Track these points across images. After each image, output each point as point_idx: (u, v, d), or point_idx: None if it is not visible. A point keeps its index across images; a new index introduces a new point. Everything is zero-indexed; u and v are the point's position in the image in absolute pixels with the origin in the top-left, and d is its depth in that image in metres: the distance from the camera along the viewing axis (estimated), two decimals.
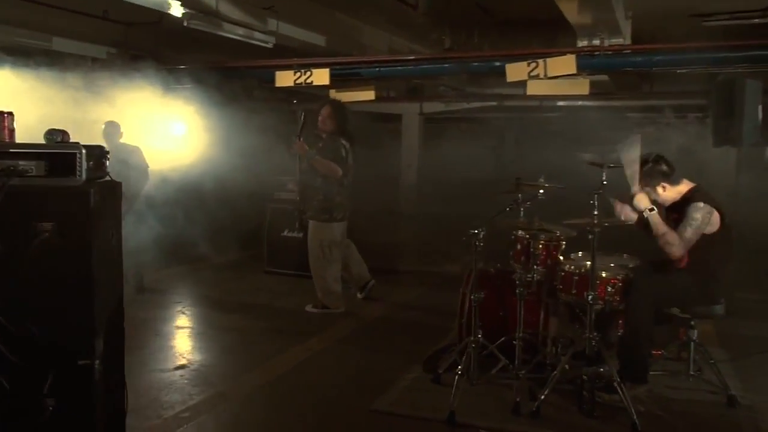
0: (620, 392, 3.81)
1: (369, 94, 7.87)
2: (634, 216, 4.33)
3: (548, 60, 6.34)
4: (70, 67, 7.36)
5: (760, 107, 5.94)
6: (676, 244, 4.06)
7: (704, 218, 4.04)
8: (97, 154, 2.88)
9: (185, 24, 5.62)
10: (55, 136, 2.83)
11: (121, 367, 3.19)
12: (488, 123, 13.15)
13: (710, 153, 7.93)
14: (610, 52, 6.37)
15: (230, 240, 8.63)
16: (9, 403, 2.64)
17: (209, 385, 4.41)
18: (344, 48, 7.81)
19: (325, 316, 6.12)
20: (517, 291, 4.34)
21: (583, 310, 4.12)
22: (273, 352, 5.12)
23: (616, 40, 6.45)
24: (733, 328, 5.46)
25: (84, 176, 2.69)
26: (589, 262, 4.02)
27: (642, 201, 4.14)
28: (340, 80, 7.51)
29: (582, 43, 6.51)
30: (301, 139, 6.01)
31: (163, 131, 8.14)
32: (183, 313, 6.39)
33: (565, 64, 6.30)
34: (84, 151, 2.70)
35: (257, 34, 6.42)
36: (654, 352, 4.59)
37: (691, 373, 4.47)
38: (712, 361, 4.38)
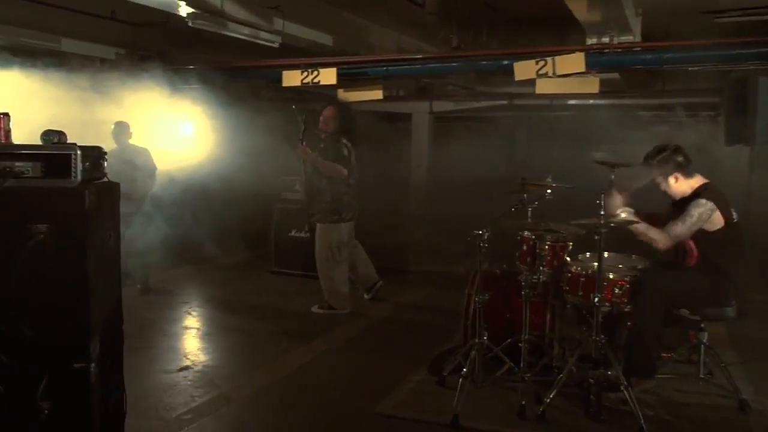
0: (627, 396, 3.73)
1: (377, 94, 7.84)
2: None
3: (557, 58, 6.26)
4: (78, 68, 7.38)
5: None
6: (660, 239, 4.02)
7: (701, 215, 3.96)
8: (94, 155, 2.86)
9: (190, 24, 5.60)
10: (52, 137, 2.81)
11: (120, 369, 3.17)
12: (499, 122, 13.07)
13: (723, 151, 7.82)
14: (619, 50, 6.29)
15: (237, 240, 8.62)
16: (4, 406, 2.61)
17: (212, 386, 4.39)
18: (352, 47, 7.77)
19: (331, 317, 6.09)
20: (523, 292, 4.27)
21: (590, 312, 4.05)
22: (278, 354, 5.09)
23: (626, 38, 6.36)
24: (745, 330, 5.35)
25: (79, 177, 2.67)
26: (596, 263, 3.95)
27: (624, 214, 4.08)
28: (347, 80, 7.48)
29: (591, 40, 6.44)
30: (304, 143, 5.99)
31: (170, 132, 8.14)
32: (189, 313, 6.38)
33: (574, 62, 6.22)
34: (79, 152, 2.68)
35: (263, 34, 6.40)
36: (664, 354, 4.53)
37: (701, 376, 4.39)
38: (723, 364, 4.30)
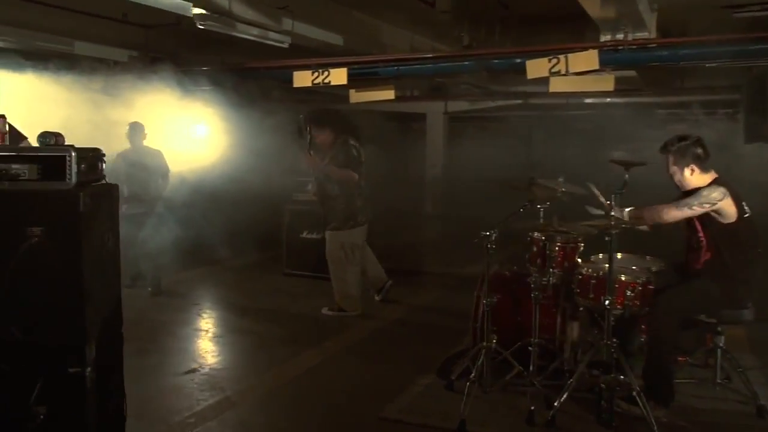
0: (640, 401, 3.63)
1: (389, 94, 7.76)
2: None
3: (570, 56, 6.13)
4: (92, 71, 7.42)
5: None
6: (667, 210, 3.91)
7: (712, 194, 3.82)
8: (91, 156, 2.83)
9: (198, 25, 5.58)
10: (48, 138, 2.79)
11: (120, 373, 3.14)
12: (514, 122, 12.96)
13: (744, 149, 7.65)
14: (634, 47, 6.15)
15: (249, 241, 8.61)
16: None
17: (218, 389, 4.36)
18: (363, 47, 7.72)
19: (342, 320, 6.03)
20: (533, 295, 4.18)
21: (602, 315, 3.94)
22: (286, 356, 5.05)
23: (641, 34, 6.23)
24: (765, 333, 5.18)
25: (74, 179, 2.64)
26: (607, 265, 3.85)
27: (620, 214, 3.97)
28: (358, 80, 7.41)
29: (605, 37, 6.30)
30: (311, 152, 5.95)
31: (182, 133, 8.16)
32: (200, 315, 6.36)
33: (587, 59, 6.09)
34: (74, 153, 2.64)
35: (272, 35, 6.37)
36: (679, 358, 4.41)
37: (719, 381, 4.27)
38: (741, 369, 4.18)
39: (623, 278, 3.95)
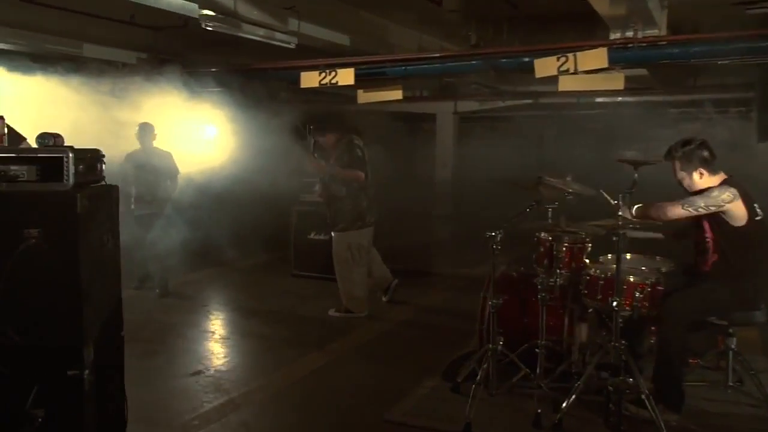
0: (649, 405, 3.56)
1: (397, 94, 7.74)
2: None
3: (578, 54, 6.08)
4: (100, 73, 7.45)
5: None
6: (671, 207, 3.81)
7: (720, 195, 3.73)
8: (89, 157, 2.81)
9: (203, 26, 5.57)
10: (47, 139, 2.77)
11: (121, 375, 3.12)
12: (525, 121, 12.87)
13: (757, 148, 7.54)
14: (644, 44, 6.07)
15: (258, 243, 8.60)
16: None
17: (222, 392, 4.33)
18: (371, 47, 7.69)
19: (348, 321, 6.00)
20: (539, 296, 4.12)
21: (610, 317, 3.88)
22: (291, 358, 5.02)
23: (651, 32, 6.14)
24: None
25: (71, 180, 2.62)
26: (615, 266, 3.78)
27: (631, 213, 3.92)
28: (365, 80, 7.39)
29: (615, 35, 6.23)
30: (315, 155, 5.93)
31: (191, 135, 8.16)
32: (207, 317, 6.35)
33: (597, 57, 6.03)
34: (71, 154, 2.63)
35: (278, 35, 6.35)
36: (690, 360, 4.33)
37: (730, 384, 4.18)
38: (753, 372, 4.09)
39: (632, 279, 3.88)
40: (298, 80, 7.28)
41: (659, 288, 3.88)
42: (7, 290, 2.55)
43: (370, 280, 6.40)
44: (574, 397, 3.75)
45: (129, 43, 8.01)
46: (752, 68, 7.07)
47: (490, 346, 4.04)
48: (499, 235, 3.93)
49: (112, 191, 2.99)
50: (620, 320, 3.77)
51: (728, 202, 3.72)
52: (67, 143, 2.81)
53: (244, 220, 7.79)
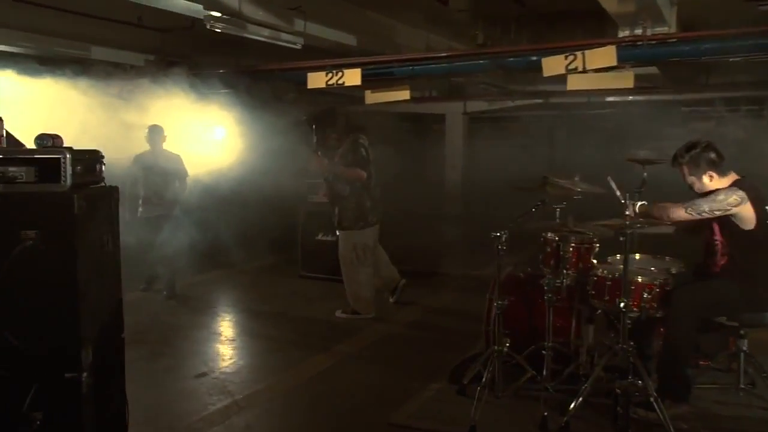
0: (657, 408, 3.49)
1: (404, 94, 7.69)
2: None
3: (587, 52, 5.99)
4: (108, 76, 7.47)
5: None
6: (675, 210, 3.74)
7: (727, 198, 3.65)
8: (88, 158, 2.79)
9: (208, 26, 5.56)
10: (45, 140, 2.76)
11: (122, 378, 3.10)
12: (534, 121, 12.78)
13: None
14: (653, 42, 5.98)
15: (265, 244, 8.59)
16: None
17: (227, 394, 4.31)
18: (378, 48, 7.64)
19: (355, 322, 5.97)
20: (546, 297, 4.07)
21: (618, 318, 3.82)
22: (297, 360, 4.99)
23: (661, 29, 6.05)
24: None
25: (69, 182, 2.60)
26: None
27: (635, 210, 3.83)
28: (372, 80, 7.35)
29: (623, 33, 6.14)
30: (319, 153, 5.90)
31: (198, 136, 8.17)
32: (214, 318, 6.34)
33: (605, 55, 5.94)
34: (69, 156, 2.61)
35: (284, 35, 6.32)
36: (701, 362, 4.26)
37: (742, 386, 4.10)
38: (765, 374, 4.01)
39: (639, 280, 3.82)
40: (305, 81, 7.26)
41: (668, 289, 3.81)
42: (5, 291, 2.54)
43: (378, 280, 6.37)
44: (581, 399, 3.69)
45: (137, 45, 8.02)
46: (765, 65, 6.95)
47: (496, 348, 3.99)
48: (504, 236, 3.88)
49: (112, 192, 2.97)
50: (628, 322, 3.71)
51: (735, 206, 3.65)
52: (75, 146, 2.79)
53: (251, 221, 7.78)
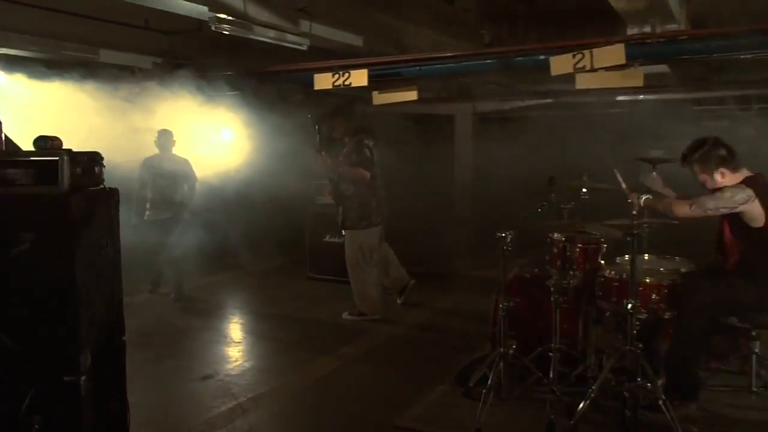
0: (666, 411, 3.42)
1: (412, 95, 7.64)
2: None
3: (595, 51, 5.91)
4: (115, 79, 7.49)
5: None
6: (680, 207, 3.68)
7: (733, 196, 3.58)
8: (87, 160, 2.77)
9: (213, 28, 5.53)
10: (44, 142, 2.75)
11: (122, 382, 3.07)
12: (546, 121, 12.69)
13: None
14: (663, 39, 5.89)
15: (272, 246, 8.57)
16: None
17: (231, 396, 4.29)
18: (384, 48, 7.60)
19: (362, 324, 5.94)
20: (552, 298, 4.01)
21: (626, 319, 3.75)
22: (302, 362, 4.97)
23: (670, 26, 5.97)
24: None
25: (66, 184, 2.59)
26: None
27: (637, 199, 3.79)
28: (379, 81, 7.30)
29: (632, 30, 6.06)
30: (323, 152, 5.89)
31: (205, 138, 8.17)
32: (221, 320, 6.34)
33: (614, 53, 5.86)
34: (66, 158, 2.59)
35: (290, 37, 6.29)
36: (713, 364, 4.18)
37: (754, 389, 4.04)
38: None
39: (648, 281, 3.76)
40: (311, 82, 7.23)
41: (677, 290, 3.74)
42: (2, 294, 2.53)
43: (387, 279, 6.34)
44: (588, 402, 3.63)
45: (144, 47, 8.03)
46: None
47: (502, 349, 3.94)
48: (510, 236, 3.84)
49: (112, 194, 2.95)
50: (636, 323, 3.65)
51: (742, 203, 3.57)
52: (83, 149, 2.79)
53: (258, 223, 7.77)
